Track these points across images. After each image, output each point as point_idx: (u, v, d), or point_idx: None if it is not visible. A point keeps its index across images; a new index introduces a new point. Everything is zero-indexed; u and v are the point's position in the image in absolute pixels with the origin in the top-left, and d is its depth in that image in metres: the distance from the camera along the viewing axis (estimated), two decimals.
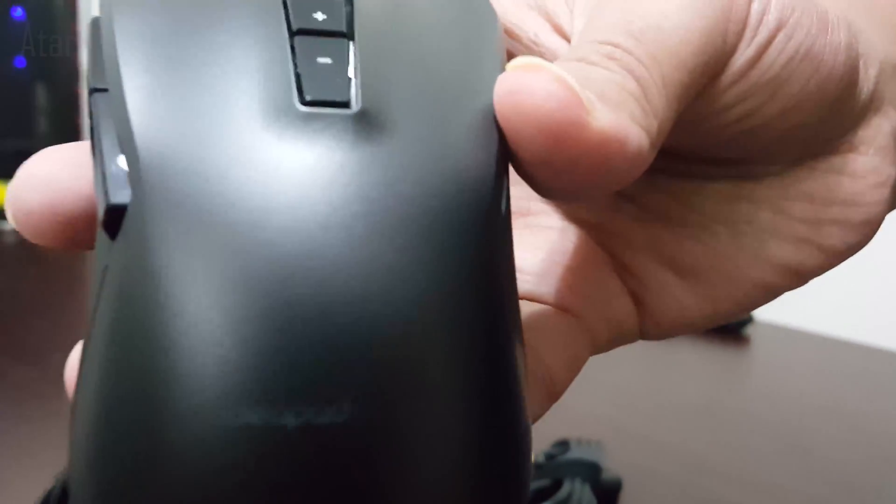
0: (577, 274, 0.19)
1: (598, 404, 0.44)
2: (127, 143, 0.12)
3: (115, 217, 0.12)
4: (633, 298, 0.20)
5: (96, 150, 0.13)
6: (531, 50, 0.18)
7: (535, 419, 0.17)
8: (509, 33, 0.18)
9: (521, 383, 0.14)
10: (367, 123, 0.13)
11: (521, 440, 0.13)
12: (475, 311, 0.13)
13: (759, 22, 0.16)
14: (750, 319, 0.59)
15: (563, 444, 0.35)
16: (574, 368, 0.18)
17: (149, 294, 0.12)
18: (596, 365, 0.48)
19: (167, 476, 0.11)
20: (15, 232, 0.58)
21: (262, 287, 0.11)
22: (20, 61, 0.78)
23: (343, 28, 0.14)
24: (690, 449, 0.40)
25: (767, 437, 0.42)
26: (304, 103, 0.13)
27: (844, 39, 0.17)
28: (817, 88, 0.17)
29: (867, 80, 0.18)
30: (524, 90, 0.13)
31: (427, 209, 0.12)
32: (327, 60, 0.13)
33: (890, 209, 0.19)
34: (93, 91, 0.14)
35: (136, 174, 0.12)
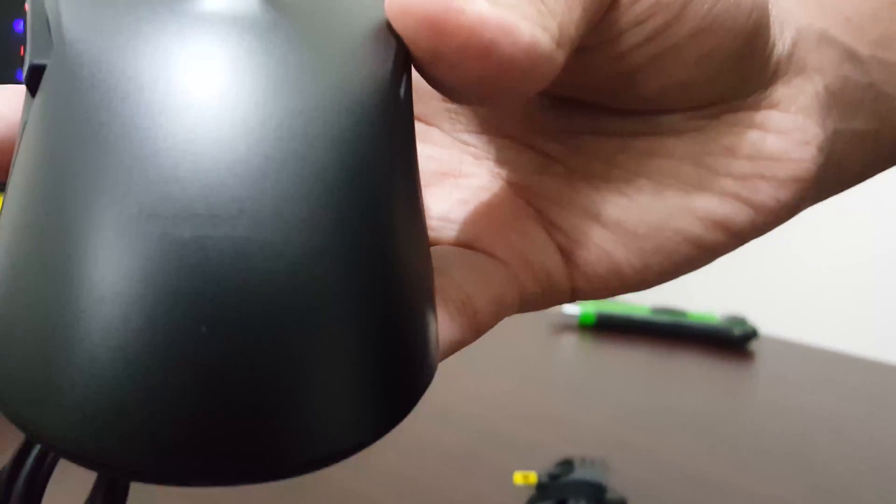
0: (501, 223, 0.20)
1: (601, 420, 0.44)
2: (54, 20, 0.14)
3: (35, 75, 0.14)
4: (562, 252, 0.20)
5: (28, 33, 0.15)
6: None
7: (457, 347, 0.17)
8: None
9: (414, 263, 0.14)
10: (271, 7, 0.14)
11: (412, 320, 0.14)
12: (368, 175, 0.14)
13: None
14: (754, 334, 0.59)
15: (567, 464, 0.34)
16: (499, 305, 0.19)
17: (62, 133, 0.13)
18: (597, 380, 0.47)
19: (74, 281, 0.12)
20: None
21: (164, 121, 0.13)
22: (21, 74, 0.78)
23: None
24: (695, 465, 0.40)
25: (772, 453, 0.42)
26: None
27: None
28: (725, 14, 0.17)
29: (781, 37, 0.19)
30: None
31: (326, 79, 0.14)
32: None
33: (821, 171, 0.20)
34: None
35: (58, 40, 0.14)
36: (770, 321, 0.64)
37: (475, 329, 0.18)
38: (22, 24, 0.78)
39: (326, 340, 0.13)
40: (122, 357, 0.12)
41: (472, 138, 0.21)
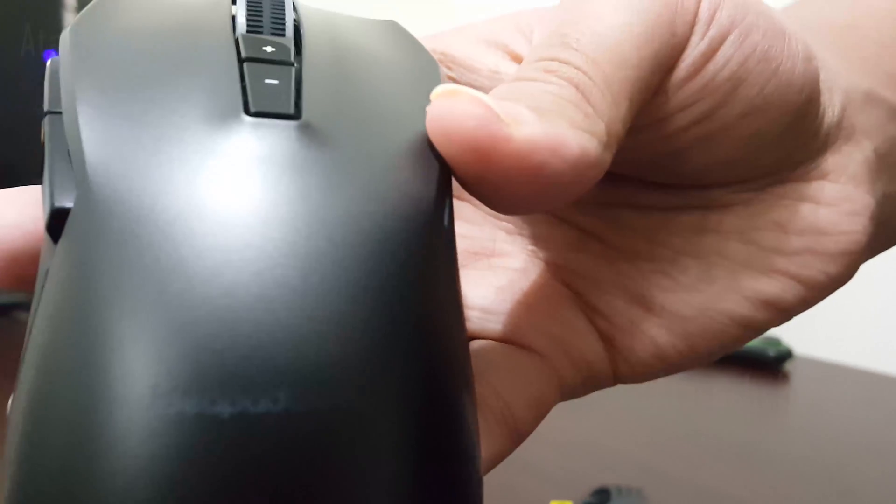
0: (539, 313, 0.19)
1: (635, 447, 0.43)
2: (76, 153, 0.13)
3: (58, 220, 0.13)
4: (603, 339, 0.19)
5: (46, 165, 0.13)
6: (493, 81, 0.18)
7: (498, 459, 0.17)
8: (469, 69, 0.18)
9: (466, 413, 0.14)
10: (310, 134, 0.13)
11: (459, 479, 0.13)
12: (413, 323, 0.13)
13: (711, 17, 0.16)
14: (789, 355, 0.58)
15: (603, 492, 0.34)
16: (539, 407, 0.18)
17: (87, 292, 0.12)
18: (631, 405, 0.47)
19: (101, 466, 0.11)
20: None
21: (198, 282, 0.12)
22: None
23: (290, 59, 0.15)
24: (731, 494, 0.39)
25: (810, 478, 0.41)
26: (250, 114, 0.13)
27: (802, 51, 0.17)
28: (777, 93, 0.17)
29: (832, 104, 0.18)
30: (445, 114, 0.14)
31: (368, 218, 0.13)
32: (274, 81, 0.14)
33: (871, 240, 0.19)
34: (47, 114, 0.14)
35: (81, 179, 0.13)
36: (806, 341, 0.63)
37: (515, 437, 0.17)
38: (50, 54, 0.78)
39: None
40: None
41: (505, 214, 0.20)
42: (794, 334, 0.64)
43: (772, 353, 0.58)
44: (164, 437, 0.11)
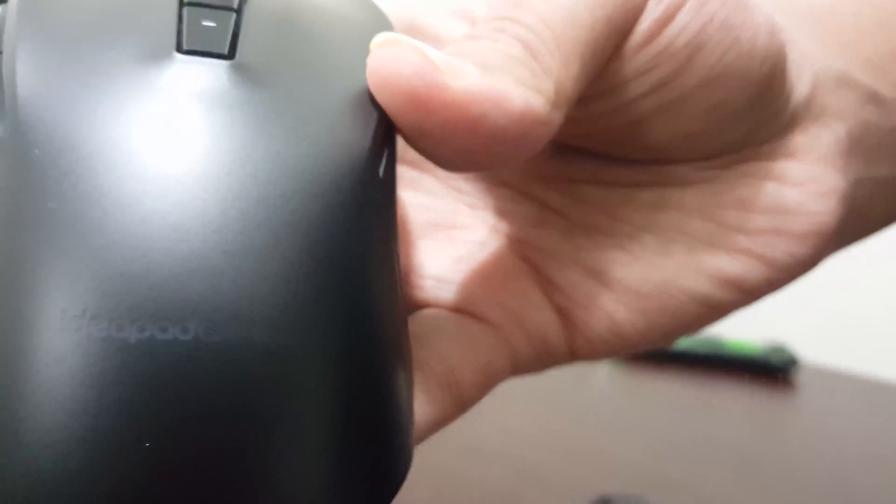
0: (495, 284, 0.19)
1: (637, 454, 0.43)
2: (9, 86, 0.13)
3: None
4: (560, 314, 0.19)
5: None
6: None
7: (439, 424, 0.17)
8: (435, 39, 0.18)
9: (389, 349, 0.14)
10: (243, 73, 0.13)
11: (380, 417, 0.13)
12: (333, 263, 0.13)
13: None
14: (793, 362, 0.58)
15: (605, 501, 0.33)
16: (486, 375, 0.18)
17: (6, 217, 0.12)
18: (634, 413, 0.46)
19: (6, 386, 0.11)
20: None
21: (114, 209, 0.12)
22: None
23: (233, 5, 0.15)
24: (734, 502, 0.38)
25: (814, 488, 0.41)
26: (182, 52, 0.13)
27: (766, 23, 0.17)
28: (737, 63, 0.16)
29: (800, 83, 0.18)
30: (384, 62, 0.14)
31: (295, 158, 0.13)
32: (211, 24, 0.14)
33: (841, 223, 0.18)
34: None
35: (11, 109, 0.13)
36: (812, 348, 0.62)
37: (459, 404, 0.17)
38: None
39: (287, 455, 0.12)
40: (62, 469, 0.11)
41: (467, 186, 0.20)
42: (801, 341, 0.63)
43: (775, 361, 0.58)
44: (71, 359, 0.11)
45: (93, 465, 0.11)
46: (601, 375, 0.57)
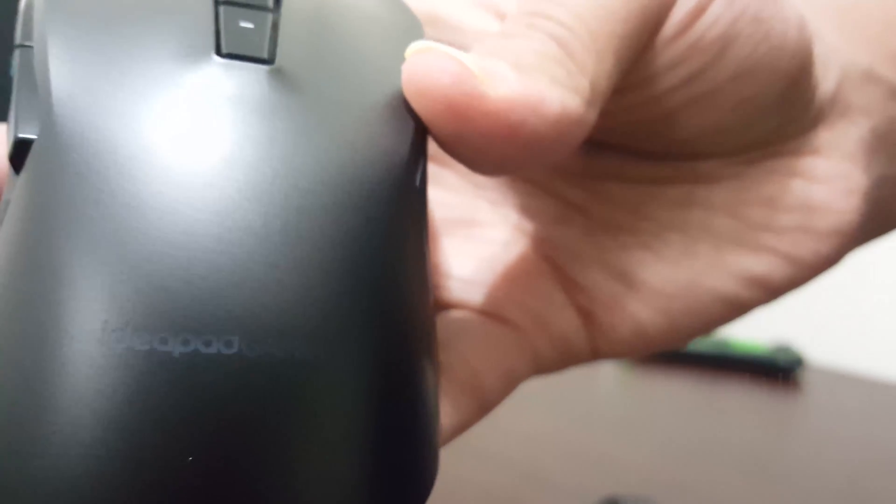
0: (518, 286, 0.19)
1: (645, 456, 0.43)
2: (42, 85, 0.13)
3: (20, 151, 0.12)
4: (582, 314, 0.19)
5: (13, 97, 0.13)
6: (479, 42, 0.18)
7: (462, 428, 0.16)
8: (455, 29, 0.18)
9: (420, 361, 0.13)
10: (283, 79, 0.13)
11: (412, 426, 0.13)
12: (375, 277, 0.13)
13: None
14: (799, 363, 0.58)
15: (613, 503, 0.33)
16: (509, 379, 0.17)
17: (43, 224, 0.12)
18: (640, 413, 0.46)
19: (48, 400, 0.11)
20: None
21: (155, 219, 0.12)
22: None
23: (269, 4, 0.14)
24: (742, 503, 0.38)
25: (821, 489, 0.40)
26: (221, 55, 0.13)
27: (795, 17, 0.17)
28: (768, 57, 0.16)
29: (826, 78, 0.18)
30: (420, 71, 0.13)
31: (337, 167, 0.13)
32: (249, 25, 0.14)
33: (865, 220, 0.18)
34: (17, 47, 0.14)
35: (46, 111, 0.12)
36: (818, 349, 0.62)
37: (481, 408, 0.17)
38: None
39: (329, 471, 0.12)
40: (103, 485, 0.11)
41: (487, 181, 0.20)
42: (808, 341, 0.63)
43: (782, 361, 0.58)
44: (113, 372, 0.11)
45: (135, 480, 0.11)
46: (606, 377, 0.57)
